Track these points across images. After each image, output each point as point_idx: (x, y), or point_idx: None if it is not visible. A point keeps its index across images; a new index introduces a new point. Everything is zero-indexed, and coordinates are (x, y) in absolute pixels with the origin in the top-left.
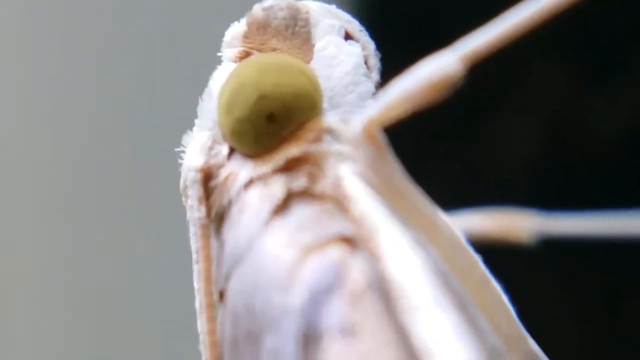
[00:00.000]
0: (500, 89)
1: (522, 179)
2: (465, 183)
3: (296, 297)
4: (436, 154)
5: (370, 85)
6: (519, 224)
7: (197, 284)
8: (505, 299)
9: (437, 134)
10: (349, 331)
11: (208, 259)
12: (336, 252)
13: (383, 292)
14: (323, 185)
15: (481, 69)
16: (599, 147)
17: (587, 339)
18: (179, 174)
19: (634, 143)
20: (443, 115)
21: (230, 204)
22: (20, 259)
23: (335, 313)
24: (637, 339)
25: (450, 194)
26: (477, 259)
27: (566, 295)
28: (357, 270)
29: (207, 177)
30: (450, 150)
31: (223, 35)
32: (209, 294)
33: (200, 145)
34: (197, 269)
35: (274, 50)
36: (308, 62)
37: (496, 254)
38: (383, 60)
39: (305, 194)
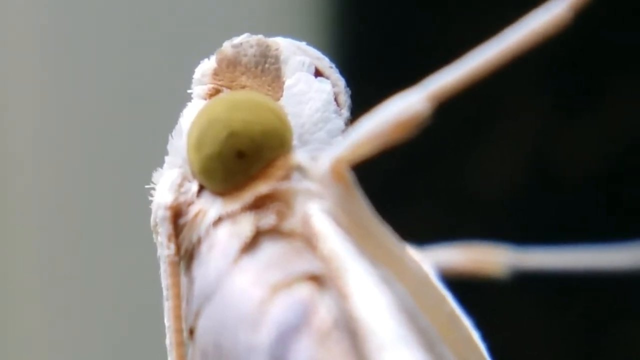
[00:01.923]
0: (475, 122)
1: (499, 212)
2: (441, 216)
3: (264, 336)
4: (412, 188)
5: (340, 123)
6: (492, 258)
7: (168, 321)
8: (475, 335)
9: (413, 167)
10: None
11: (178, 296)
12: (304, 291)
13: (350, 330)
14: (292, 223)
15: (456, 102)
16: (576, 177)
17: None
18: (149, 211)
19: (612, 173)
20: (420, 147)
21: (199, 241)
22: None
23: (302, 352)
24: None
25: (427, 228)
26: (446, 296)
27: (540, 332)
28: (324, 309)
29: (177, 215)
30: (426, 184)
31: (193, 72)
32: (179, 331)
33: (170, 182)
34: (167, 306)
35: (243, 87)
36: (278, 99)
37: (469, 289)
38: (354, 97)
39: (274, 232)
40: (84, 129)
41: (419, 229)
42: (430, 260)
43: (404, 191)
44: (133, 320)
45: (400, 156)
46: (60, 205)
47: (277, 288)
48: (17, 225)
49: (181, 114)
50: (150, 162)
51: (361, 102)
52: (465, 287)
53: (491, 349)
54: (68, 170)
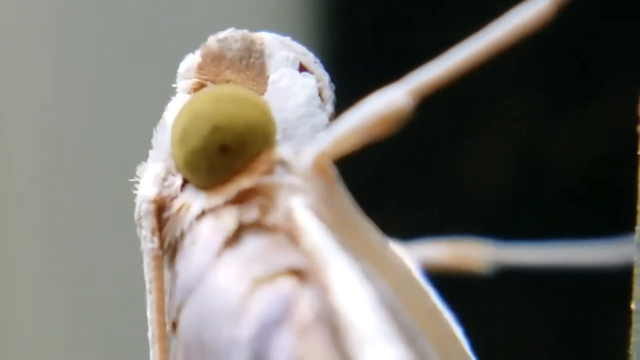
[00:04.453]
0: (463, 118)
1: (488, 209)
2: (428, 212)
3: (245, 329)
4: (400, 183)
5: (324, 118)
6: (475, 254)
7: (150, 314)
8: (457, 330)
9: (401, 162)
10: None
11: (161, 290)
12: (286, 285)
13: (331, 325)
14: (275, 217)
15: (445, 98)
16: (566, 174)
17: None
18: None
19: (601, 169)
20: (407, 143)
21: (182, 235)
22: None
23: (283, 346)
24: None
25: (413, 224)
26: (428, 291)
27: (522, 329)
28: (306, 303)
29: (161, 208)
30: (414, 179)
31: (177, 66)
32: (161, 325)
33: (154, 176)
34: (150, 299)
35: (228, 82)
36: (262, 93)
37: (452, 285)
38: (338, 92)
39: (257, 226)
40: (76, 129)
41: (406, 225)
42: (413, 256)
43: (391, 188)
44: (132, 320)
45: (388, 153)
46: (60, 205)
47: (259, 282)
48: (17, 225)
49: (165, 108)
50: (137, 159)
51: (345, 98)
52: (449, 283)
53: (474, 345)
54: (67, 169)
